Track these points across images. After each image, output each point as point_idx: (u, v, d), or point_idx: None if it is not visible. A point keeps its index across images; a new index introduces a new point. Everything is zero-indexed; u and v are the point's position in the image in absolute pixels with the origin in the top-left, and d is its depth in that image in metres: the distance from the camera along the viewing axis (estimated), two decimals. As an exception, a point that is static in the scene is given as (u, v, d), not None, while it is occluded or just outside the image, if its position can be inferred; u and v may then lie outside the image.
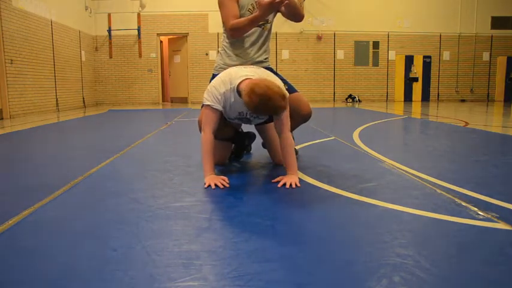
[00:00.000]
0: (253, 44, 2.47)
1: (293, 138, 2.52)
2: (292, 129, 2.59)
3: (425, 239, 1.35)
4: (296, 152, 2.72)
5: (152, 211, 1.65)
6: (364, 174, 2.32)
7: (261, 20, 2.32)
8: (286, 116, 2.11)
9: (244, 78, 2.02)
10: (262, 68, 2.29)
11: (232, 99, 2.09)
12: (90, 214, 1.63)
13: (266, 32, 2.51)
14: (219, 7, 2.42)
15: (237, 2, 2.38)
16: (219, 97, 2.07)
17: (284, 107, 1.91)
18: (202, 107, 2.19)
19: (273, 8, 2.17)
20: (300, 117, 2.50)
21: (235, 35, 2.39)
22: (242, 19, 2.33)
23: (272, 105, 1.84)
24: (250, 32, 2.42)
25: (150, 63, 11.80)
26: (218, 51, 2.64)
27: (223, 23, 2.43)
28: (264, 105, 1.83)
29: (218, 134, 2.22)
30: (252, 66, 2.31)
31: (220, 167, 2.50)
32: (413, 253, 1.21)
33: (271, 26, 2.54)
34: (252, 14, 2.38)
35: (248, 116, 2.22)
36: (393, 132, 4.72)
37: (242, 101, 1.99)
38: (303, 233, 1.41)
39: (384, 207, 1.67)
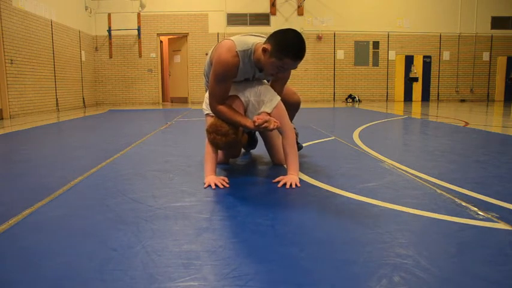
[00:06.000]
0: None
1: (295, 129, 2.54)
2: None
3: (425, 239, 1.35)
4: (300, 147, 2.74)
5: (152, 211, 1.65)
6: (364, 174, 2.32)
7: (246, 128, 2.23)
8: (285, 115, 2.17)
9: (233, 94, 2.18)
10: (254, 83, 2.23)
11: None
12: (90, 214, 1.63)
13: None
14: (215, 73, 2.07)
15: (236, 74, 2.13)
16: None
17: (227, 140, 2.10)
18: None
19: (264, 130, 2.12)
20: (291, 106, 2.48)
21: (211, 111, 2.21)
22: (231, 113, 2.11)
23: (219, 139, 2.10)
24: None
25: (150, 63, 11.80)
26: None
27: (209, 93, 2.17)
28: (213, 139, 2.12)
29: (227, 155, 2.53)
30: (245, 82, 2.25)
31: (221, 167, 2.51)
32: (413, 253, 1.21)
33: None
34: (248, 79, 2.24)
35: None
36: (393, 132, 4.72)
37: None
38: (302, 233, 1.41)
39: (383, 207, 1.67)
